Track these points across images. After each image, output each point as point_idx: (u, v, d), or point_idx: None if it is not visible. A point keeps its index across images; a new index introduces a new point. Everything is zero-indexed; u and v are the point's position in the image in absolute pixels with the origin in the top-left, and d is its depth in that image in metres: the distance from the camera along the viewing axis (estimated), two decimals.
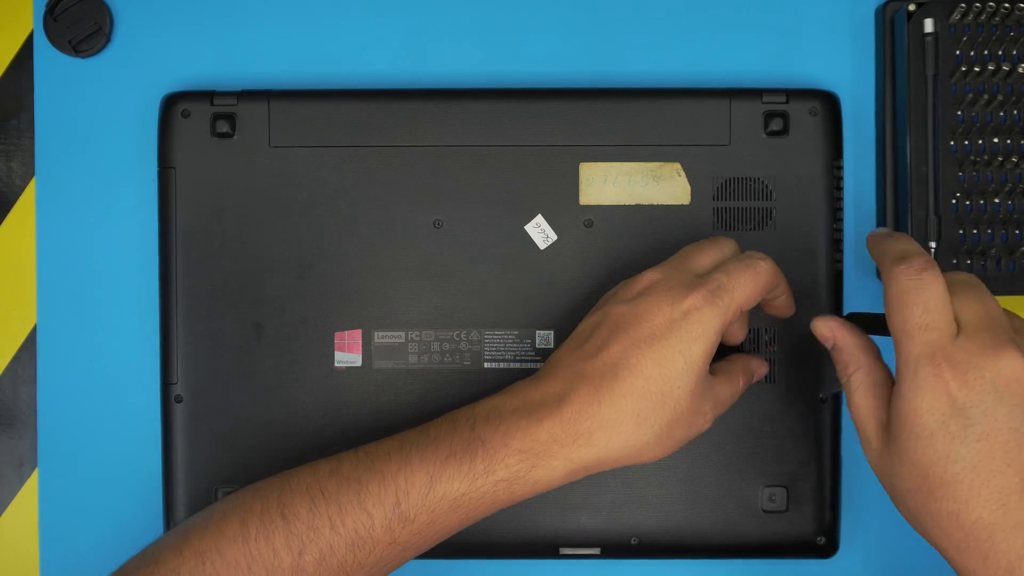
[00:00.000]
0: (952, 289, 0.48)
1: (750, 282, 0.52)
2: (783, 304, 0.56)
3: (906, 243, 0.50)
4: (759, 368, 0.58)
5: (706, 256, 0.54)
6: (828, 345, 0.53)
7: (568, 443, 0.51)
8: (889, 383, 0.50)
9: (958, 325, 0.48)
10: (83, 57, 0.63)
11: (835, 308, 0.60)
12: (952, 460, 0.46)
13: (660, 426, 0.51)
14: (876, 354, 0.52)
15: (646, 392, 0.50)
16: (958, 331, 0.47)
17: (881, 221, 0.62)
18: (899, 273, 0.48)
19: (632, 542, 0.60)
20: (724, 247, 0.55)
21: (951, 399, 0.46)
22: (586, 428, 0.50)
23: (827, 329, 0.52)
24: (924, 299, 0.48)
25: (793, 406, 0.60)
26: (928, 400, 0.47)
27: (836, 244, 0.60)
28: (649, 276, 0.54)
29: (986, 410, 0.46)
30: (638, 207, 0.60)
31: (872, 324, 0.53)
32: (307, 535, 0.50)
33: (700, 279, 0.52)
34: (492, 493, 0.51)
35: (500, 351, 0.60)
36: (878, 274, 0.60)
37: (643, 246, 0.60)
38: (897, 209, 0.61)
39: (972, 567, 0.47)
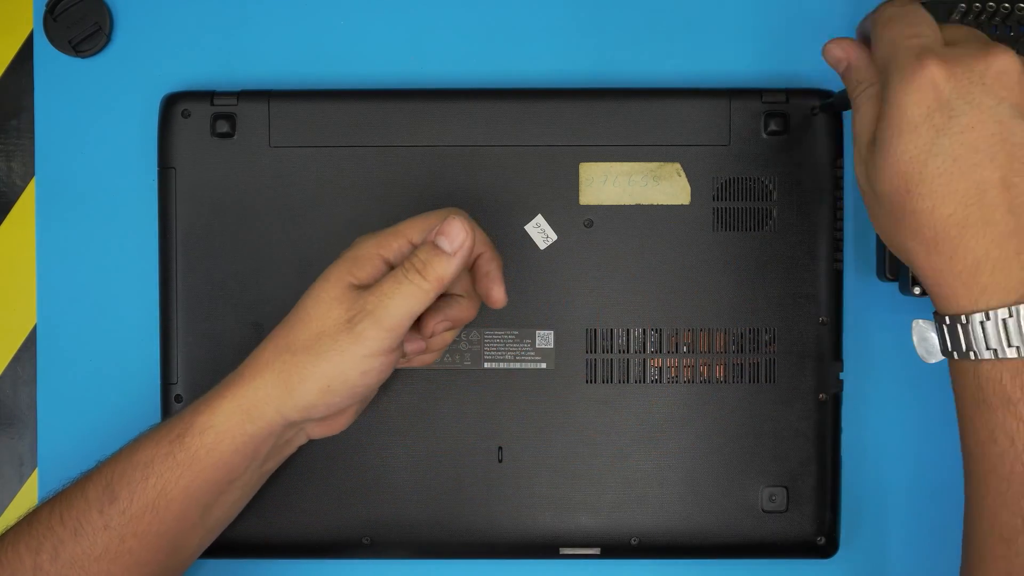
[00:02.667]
0: (944, 25, 0.49)
1: (422, 218, 0.53)
2: (488, 297, 0.55)
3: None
4: (432, 230, 0.53)
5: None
6: (840, 67, 0.51)
7: (223, 386, 0.53)
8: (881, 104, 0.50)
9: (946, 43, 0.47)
10: (83, 57, 0.63)
11: (835, 308, 0.60)
12: (934, 153, 0.45)
13: (300, 346, 0.51)
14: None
15: (285, 320, 0.53)
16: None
17: None
18: (884, 7, 0.49)
19: (632, 542, 0.60)
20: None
21: (937, 92, 0.45)
22: (239, 369, 0.53)
23: (840, 50, 0.51)
24: (911, 18, 0.47)
25: (793, 406, 0.60)
26: (914, 94, 0.45)
27: (836, 244, 0.60)
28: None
29: (972, 101, 0.45)
30: (638, 207, 0.60)
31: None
32: (44, 534, 0.52)
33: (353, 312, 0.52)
34: (172, 454, 0.52)
35: (500, 351, 0.60)
36: (882, 272, 0.60)
37: (643, 246, 0.60)
38: None
39: (939, 267, 0.46)
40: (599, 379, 0.60)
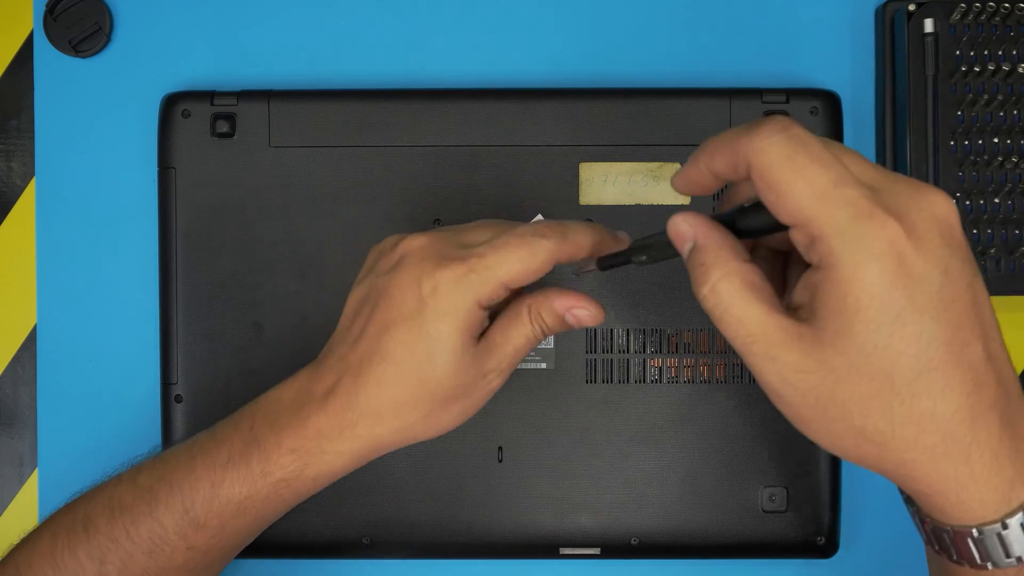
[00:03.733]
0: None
1: (517, 259, 0.46)
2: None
3: (729, 130, 0.40)
4: (568, 309, 0.49)
5: (487, 230, 0.49)
6: (686, 248, 0.41)
7: (334, 437, 0.49)
8: (766, 283, 0.40)
9: None
10: (83, 57, 0.63)
11: None
12: (926, 342, 0.37)
13: (425, 407, 0.49)
14: (745, 255, 0.41)
15: (399, 379, 0.48)
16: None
17: None
18: (767, 137, 0.37)
19: (632, 542, 0.60)
20: (512, 225, 0.49)
21: (909, 265, 0.36)
22: (349, 420, 0.49)
23: (687, 225, 0.41)
24: (816, 155, 0.37)
25: None
26: (888, 272, 0.36)
27: None
28: (411, 242, 0.49)
29: (946, 269, 0.37)
30: (638, 207, 0.60)
31: (744, 223, 0.41)
32: (107, 546, 0.51)
33: (461, 251, 0.47)
34: (275, 494, 0.51)
35: None
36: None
37: None
38: None
39: (953, 474, 0.38)
40: (599, 379, 0.60)
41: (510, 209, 0.60)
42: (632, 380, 0.60)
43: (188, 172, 0.60)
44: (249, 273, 0.60)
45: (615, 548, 0.60)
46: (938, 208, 0.37)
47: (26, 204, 0.64)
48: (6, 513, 0.63)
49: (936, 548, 0.41)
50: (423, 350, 0.47)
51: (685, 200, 0.60)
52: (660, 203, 0.60)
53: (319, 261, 0.60)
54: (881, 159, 0.62)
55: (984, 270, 0.59)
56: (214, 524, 0.51)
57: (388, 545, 0.60)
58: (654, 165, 0.60)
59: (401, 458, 0.60)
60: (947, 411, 0.37)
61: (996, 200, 0.59)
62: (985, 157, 0.59)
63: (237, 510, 0.51)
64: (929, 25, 0.59)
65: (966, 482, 0.38)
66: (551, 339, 0.60)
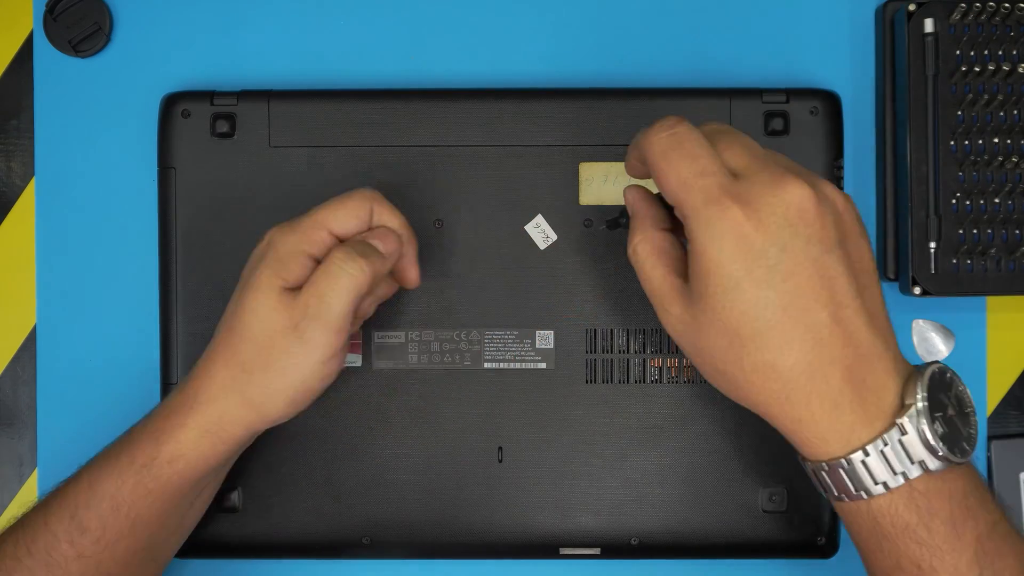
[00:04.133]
0: (710, 139, 0.47)
1: (335, 203, 0.52)
2: (404, 278, 0.55)
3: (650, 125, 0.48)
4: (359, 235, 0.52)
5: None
6: (631, 212, 0.51)
7: (180, 411, 0.51)
8: (675, 248, 0.49)
9: (732, 172, 0.46)
10: (83, 57, 0.63)
11: None
12: (762, 306, 0.44)
13: (253, 364, 0.50)
14: (661, 224, 0.50)
15: (229, 335, 0.51)
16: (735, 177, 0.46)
17: (881, 221, 0.62)
18: (653, 136, 0.46)
19: (632, 542, 0.60)
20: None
21: (749, 242, 0.44)
22: (192, 391, 0.51)
23: (630, 196, 0.50)
24: (687, 151, 0.46)
25: None
26: (727, 248, 0.44)
27: None
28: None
29: (785, 246, 0.44)
30: None
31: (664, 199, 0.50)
32: (11, 566, 0.51)
33: (296, 299, 0.50)
34: (140, 485, 0.51)
35: (500, 351, 0.60)
36: (882, 272, 0.60)
37: None
38: (897, 209, 0.61)
39: (798, 416, 0.46)
40: (599, 379, 0.60)
41: (510, 209, 0.60)
42: (632, 380, 0.60)
43: (188, 172, 0.60)
44: None
45: (615, 548, 0.60)
46: (789, 197, 0.45)
47: (26, 204, 0.64)
48: (6, 513, 0.63)
49: (822, 491, 0.48)
50: (240, 299, 0.51)
51: None
52: None
53: None
54: (881, 159, 0.62)
55: (984, 270, 0.59)
56: (95, 526, 0.51)
57: (388, 545, 0.60)
58: None
59: (401, 458, 0.60)
60: (786, 364, 0.45)
61: (996, 200, 0.59)
62: (985, 157, 0.59)
63: (111, 506, 0.51)
64: (929, 25, 0.59)
65: (809, 423, 0.45)
66: (551, 339, 0.60)
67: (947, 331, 0.62)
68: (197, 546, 0.60)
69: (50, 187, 0.63)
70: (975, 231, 0.59)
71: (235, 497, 0.60)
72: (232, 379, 0.51)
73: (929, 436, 0.44)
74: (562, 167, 0.60)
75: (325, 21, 0.63)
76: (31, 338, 0.63)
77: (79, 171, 0.63)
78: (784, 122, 0.60)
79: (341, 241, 0.52)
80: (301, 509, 0.60)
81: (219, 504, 0.59)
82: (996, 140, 0.59)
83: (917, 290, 0.59)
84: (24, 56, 0.64)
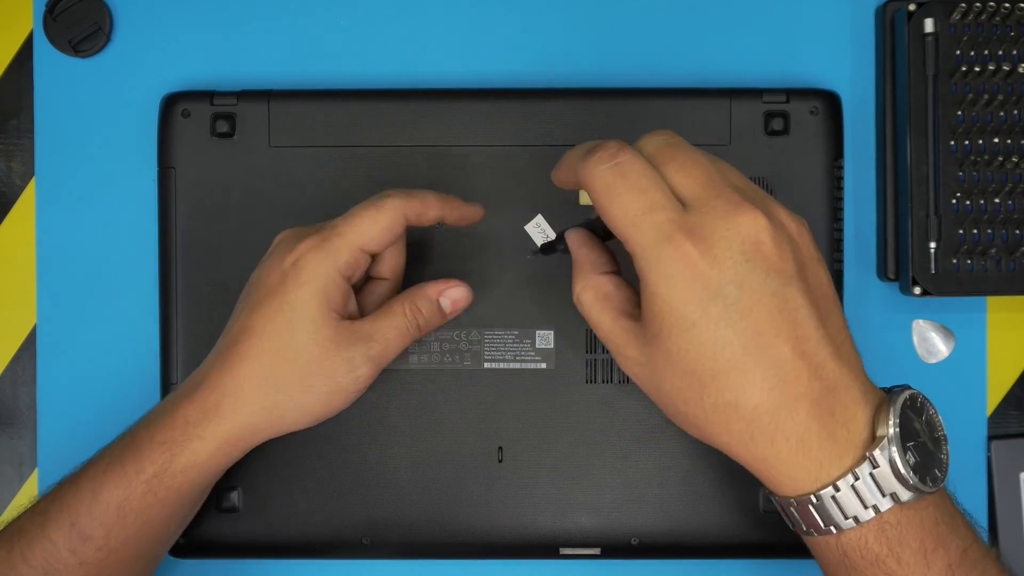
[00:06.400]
0: (658, 161, 0.44)
1: (367, 220, 0.50)
2: (456, 218, 0.53)
3: (587, 143, 0.46)
4: (440, 292, 0.53)
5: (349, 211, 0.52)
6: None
7: (199, 422, 0.50)
8: (620, 290, 0.48)
9: (682, 200, 0.43)
10: (83, 57, 0.63)
11: None
12: (721, 346, 0.42)
13: (286, 382, 0.50)
14: (604, 267, 0.48)
15: (261, 351, 0.50)
16: (685, 206, 0.43)
17: (881, 221, 0.62)
18: (593, 167, 0.44)
19: (632, 542, 0.60)
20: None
21: (704, 281, 0.42)
22: (212, 402, 0.50)
23: (572, 241, 0.49)
24: (632, 183, 0.43)
25: None
26: (681, 288, 0.42)
27: (836, 244, 0.60)
28: (282, 233, 0.54)
29: (742, 283, 0.42)
30: None
31: (604, 228, 0.49)
32: (7, 573, 0.51)
33: (319, 228, 0.51)
34: (150, 492, 0.51)
35: (500, 351, 0.60)
36: (882, 272, 0.60)
37: None
38: (897, 209, 0.61)
39: (764, 455, 0.44)
40: (599, 379, 0.60)
41: (510, 209, 0.60)
42: (632, 380, 0.60)
43: (188, 172, 0.60)
44: (249, 273, 0.60)
45: (615, 548, 0.60)
46: (744, 228, 0.42)
47: (26, 204, 0.64)
48: (6, 513, 0.63)
49: (790, 524, 0.47)
50: (283, 320, 0.50)
51: None
52: None
53: None
54: (881, 159, 0.62)
55: (984, 270, 0.59)
56: (99, 534, 0.51)
57: (388, 545, 0.60)
58: None
59: (401, 458, 0.60)
60: (748, 404, 0.43)
61: (996, 200, 0.59)
62: (985, 157, 0.59)
63: (117, 514, 0.51)
64: (929, 25, 0.59)
65: (775, 462, 0.44)
66: (551, 339, 0.60)
67: (947, 331, 0.63)
68: (197, 546, 0.60)
69: (50, 187, 0.63)
70: (975, 231, 0.59)
71: (235, 497, 0.60)
72: (263, 396, 0.50)
73: (901, 467, 0.43)
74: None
75: (325, 21, 0.63)
76: (31, 338, 0.63)
77: (79, 171, 0.63)
78: (784, 122, 0.60)
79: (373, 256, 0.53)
80: (301, 509, 0.60)
81: (219, 504, 0.59)
82: (996, 140, 0.59)
83: (917, 290, 0.59)
84: (24, 56, 0.64)
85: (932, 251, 0.59)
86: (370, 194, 0.60)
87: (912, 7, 0.60)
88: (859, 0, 0.63)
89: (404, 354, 0.60)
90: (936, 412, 0.46)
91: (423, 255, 0.60)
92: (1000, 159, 0.59)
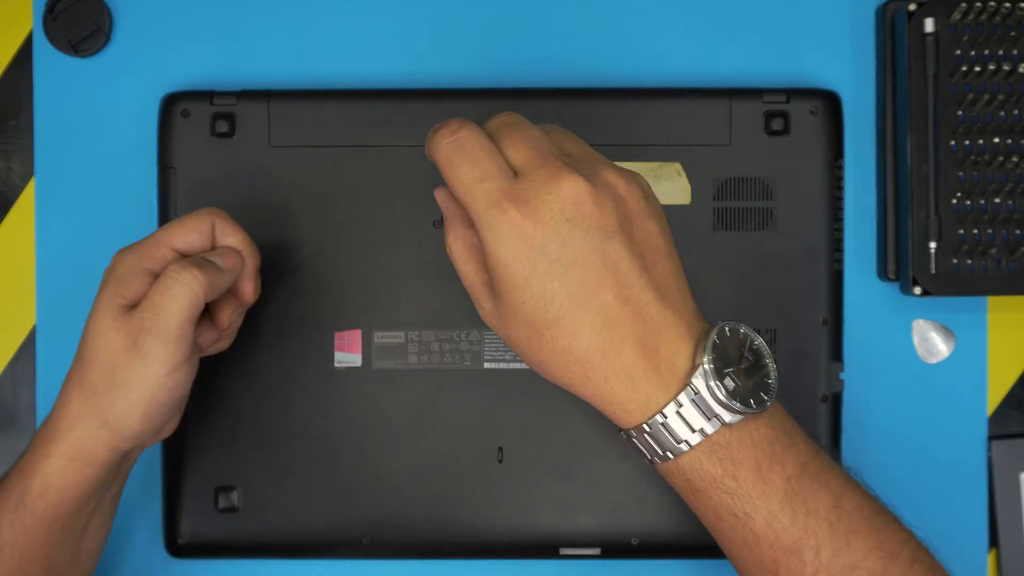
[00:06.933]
0: (496, 137, 0.49)
1: (178, 221, 0.53)
2: (239, 292, 0.54)
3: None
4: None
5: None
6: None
7: (42, 442, 0.52)
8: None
9: (514, 170, 0.48)
10: (83, 57, 0.63)
11: (835, 308, 0.60)
12: (550, 298, 0.47)
13: (101, 384, 0.50)
14: (471, 222, 0.50)
15: (77, 359, 0.52)
16: (516, 175, 0.48)
17: (881, 221, 0.62)
18: (438, 142, 0.49)
19: (632, 542, 0.60)
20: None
21: (530, 240, 0.47)
22: (53, 419, 0.52)
23: (439, 198, 0.52)
24: (469, 155, 0.48)
25: (793, 406, 0.60)
26: (510, 248, 0.47)
27: (836, 244, 0.60)
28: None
29: (564, 240, 0.47)
30: None
31: None
32: None
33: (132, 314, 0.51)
34: (18, 521, 0.51)
35: (500, 351, 0.60)
36: (882, 272, 0.60)
37: None
38: (897, 209, 0.61)
39: (600, 391, 0.48)
40: None
41: None
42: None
43: (188, 172, 0.60)
44: None
45: (615, 548, 0.60)
46: (564, 191, 0.47)
47: (26, 204, 0.64)
48: None
49: (642, 457, 0.50)
50: (86, 323, 0.51)
51: (685, 200, 0.60)
52: (661, 203, 0.60)
53: (319, 261, 0.60)
54: (881, 159, 0.62)
55: (984, 270, 0.59)
56: None
57: (388, 545, 0.60)
58: (654, 165, 0.60)
59: (401, 458, 0.60)
60: (580, 347, 0.47)
61: (996, 200, 0.59)
62: (985, 157, 0.59)
63: None
64: (929, 25, 0.59)
65: (610, 398, 0.48)
66: None
67: (947, 331, 0.63)
68: (197, 546, 0.60)
69: (50, 187, 0.63)
70: (975, 231, 0.59)
71: (235, 497, 0.60)
72: (85, 402, 0.51)
73: (718, 391, 0.47)
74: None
75: (325, 21, 0.63)
76: (31, 338, 0.63)
77: (79, 171, 0.63)
78: (784, 122, 0.60)
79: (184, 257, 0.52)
80: (301, 509, 0.60)
81: (219, 504, 0.59)
82: (996, 140, 0.59)
83: (917, 290, 0.59)
84: (24, 56, 0.64)
85: (932, 251, 0.59)
86: (370, 194, 0.60)
87: (912, 7, 0.60)
88: (859, 0, 0.63)
89: (404, 354, 0.60)
90: (763, 342, 0.50)
91: (423, 255, 0.60)
92: (1000, 159, 0.59)
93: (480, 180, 0.47)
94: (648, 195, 0.50)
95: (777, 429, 0.49)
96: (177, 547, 0.60)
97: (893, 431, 0.63)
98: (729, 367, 0.48)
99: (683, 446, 0.48)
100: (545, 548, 0.60)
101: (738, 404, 0.47)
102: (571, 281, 0.47)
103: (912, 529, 0.50)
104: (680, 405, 0.47)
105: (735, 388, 0.47)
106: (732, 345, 0.48)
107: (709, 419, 0.47)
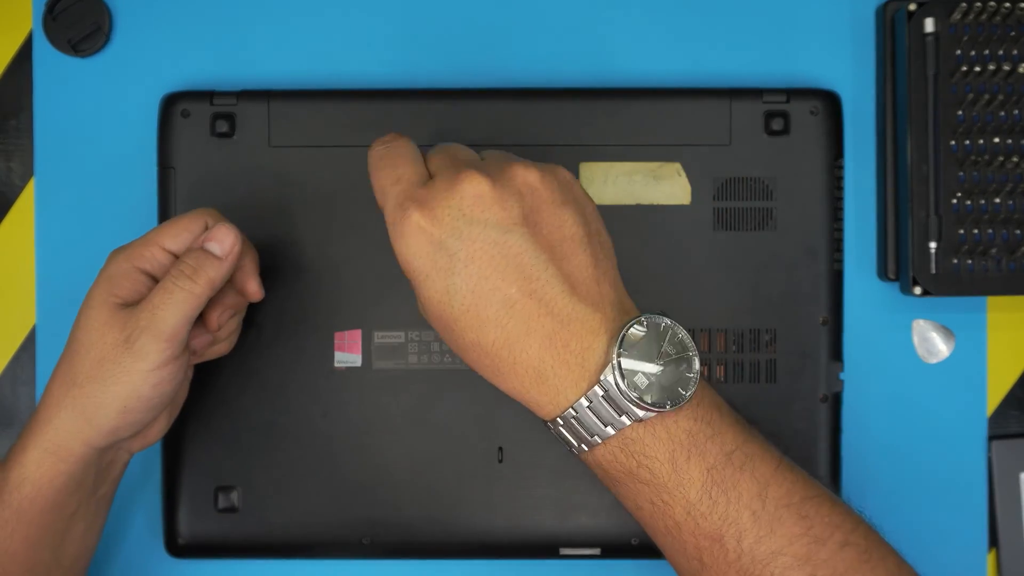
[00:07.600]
0: (429, 152, 0.50)
1: (170, 222, 0.53)
2: (244, 290, 0.55)
3: None
4: (203, 240, 0.53)
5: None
6: None
7: (23, 434, 0.52)
8: None
9: (431, 177, 0.49)
10: (83, 57, 0.63)
11: (835, 308, 0.60)
12: (453, 292, 0.47)
13: (86, 378, 0.51)
14: None
15: (65, 352, 0.52)
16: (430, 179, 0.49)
17: (881, 221, 0.62)
18: (372, 148, 0.50)
19: (632, 542, 0.60)
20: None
21: (429, 237, 0.47)
22: (36, 413, 0.52)
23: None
24: (392, 160, 0.49)
25: (793, 406, 0.60)
26: (411, 246, 0.47)
27: (836, 244, 0.60)
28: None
29: (461, 235, 0.47)
30: (638, 207, 0.60)
31: None
32: None
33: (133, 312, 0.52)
34: None
35: None
36: (882, 272, 0.60)
37: (643, 246, 0.60)
38: (897, 209, 0.61)
39: (512, 386, 0.48)
40: None
41: None
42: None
43: (188, 172, 0.60)
44: None
45: (615, 548, 0.60)
46: (464, 190, 0.47)
47: (25, 204, 0.64)
48: None
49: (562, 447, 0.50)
50: (77, 316, 0.52)
51: (685, 200, 0.60)
52: (660, 203, 0.60)
53: (319, 261, 0.60)
54: (881, 159, 0.62)
55: (984, 270, 0.59)
56: None
57: (388, 545, 0.60)
58: (654, 165, 0.60)
59: (401, 458, 0.60)
60: (487, 341, 0.47)
61: (996, 200, 0.59)
62: (985, 157, 0.59)
63: None
64: (929, 25, 0.59)
65: (522, 391, 0.48)
66: None
67: (947, 331, 0.63)
68: (197, 546, 0.60)
69: (50, 187, 0.63)
70: (975, 231, 0.59)
71: (235, 497, 0.60)
72: (65, 394, 0.51)
73: (628, 389, 0.46)
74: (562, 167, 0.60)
75: (325, 21, 0.63)
76: (31, 338, 0.63)
77: (79, 171, 0.63)
78: (784, 122, 0.60)
79: (177, 257, 0.53)
80: (301, 509, 0.60)
81: (219, 504, 0.59)
82: (996, 140, 0.59)
83: (917, 290, 0.59)
84: (24, 56, 0.64)
85: (932, 251, 0.59)
86: (370, 194, 0.60)
87: (912, 7, 0.60)
88: (859, 0, 0.63)
89: (404, 354, 0.60)
90: (686, 334, 0.48)
91: None
92: (1000, 159, 0.59)
93: (394, 183, 0.48)
94: (565, 185, 0.49)
95: (700, 421, 0.48)
96: (177, 547, 0.60)
97: (893, 431, 0.63)
98: (646, 361, 0.47)
99: (596, 439, 0.47)
100: (545, 548, 0.60)
101: (649, 401, 0.46)
102: (471, 275, 0.47)
103: (861, 513, 0.50)
104: (589, 401, 0.47)
105: (648, 384, 0.47)
106: (650, 338, 0.47)
107: (620, 415, 0.47)
